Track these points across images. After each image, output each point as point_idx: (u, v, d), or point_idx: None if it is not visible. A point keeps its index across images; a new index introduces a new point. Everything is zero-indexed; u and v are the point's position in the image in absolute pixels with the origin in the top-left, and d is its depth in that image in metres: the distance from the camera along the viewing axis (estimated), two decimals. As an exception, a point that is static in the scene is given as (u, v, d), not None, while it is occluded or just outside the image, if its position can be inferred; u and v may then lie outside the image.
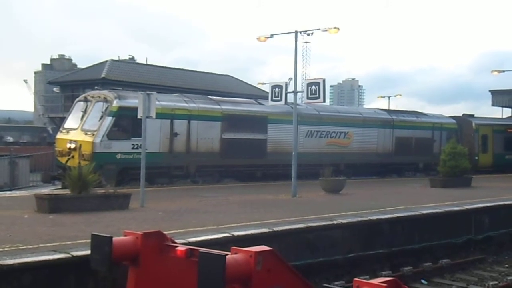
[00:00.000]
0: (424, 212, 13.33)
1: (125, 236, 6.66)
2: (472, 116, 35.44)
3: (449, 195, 17.16)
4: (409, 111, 31.64)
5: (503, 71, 28.55)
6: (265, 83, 34.97)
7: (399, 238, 12.37)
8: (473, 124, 32.69)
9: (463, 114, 35.88)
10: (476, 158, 31.48)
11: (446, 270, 11.83)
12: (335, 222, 11.37)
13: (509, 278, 11.04)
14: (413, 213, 13.08)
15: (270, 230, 10.16)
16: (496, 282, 10.60)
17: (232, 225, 10.46)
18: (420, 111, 32.60)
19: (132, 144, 19.03)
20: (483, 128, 33.14)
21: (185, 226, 10.15)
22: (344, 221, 11.54)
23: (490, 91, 40.54)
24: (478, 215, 14.45)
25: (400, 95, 59.61)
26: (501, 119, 41.08)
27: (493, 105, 40.70)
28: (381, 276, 9.76)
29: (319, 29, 18.36)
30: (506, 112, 44.47)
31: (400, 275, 10.53)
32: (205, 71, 46.86)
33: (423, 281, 11.14)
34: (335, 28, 18.32)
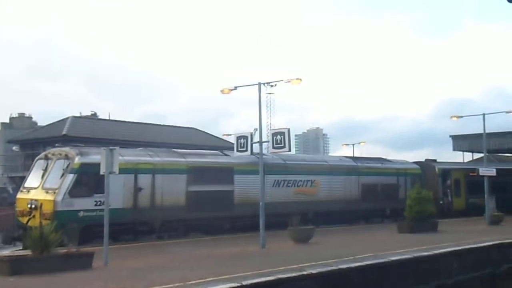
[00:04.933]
0: (394, 258, 13.28)
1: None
2: (434, 161, 36.08)
3: (417, 240, 17.20)
4: (374, 158, 32.05)
5: (461, 117, 29.29)
6: (230, 134, 35.12)
7: (370, 286, 12.22)
8: (436, 169, 33.23)
9: (426, 159, 36.50)
10: (441, 202, 31.85)
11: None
12: (305, 273, 11.20)
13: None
14: (382, 260, 13.00)
15: (239, 284, 9.92)
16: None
17: (200, 280, 10.18)
18: (385, 157, 33.05)
19: (95, 201, 18.60)
20: (455, 173, 33.70)
21: (150, 285, 9.83)
22: (314, 271, 11.38)
23: (451, 136, 41.48)
24: (447, 260, 14.46)
25: (364, 142, 60.41)
26: (462, 163, 41.94)
27: (454, 149, 41.54)
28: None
29: (282, 80, 18.59)
30: (467, 157, 45.50)
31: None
32: (171, 124, 46.83)
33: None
34: (297, 79, 18.56)
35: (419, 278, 13.34)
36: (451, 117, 29.38)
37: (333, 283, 11.50)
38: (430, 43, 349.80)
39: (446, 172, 33.62)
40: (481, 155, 31.78)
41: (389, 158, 32.99)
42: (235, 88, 18.97)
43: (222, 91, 19.44)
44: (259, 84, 17.87)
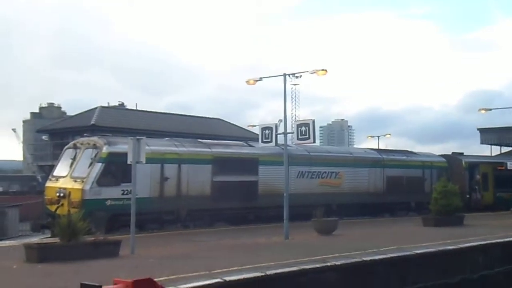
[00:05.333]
0: (418, 252, 13.23)
1: (115, 284, 6.54)
2: (461, 154, 35.65)
3: (442, 234, 17.08)
4: (399, 150, 31.78)
5: (490, 109, 28.93)
6: (255, 125, 35.14)
7: (394, 279, 12.22)
8: (463, 162, 32.84)
9: (453, 153, 36.08)
10: (468, 196, 31.48)
11: (442, 311, 11.68)
12: (328, 264, 11.24)
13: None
14: (406, 253, 12.97)
15: (263, 274, 10.01)
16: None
17: (224, 270, 10.30)
18: (410, 150, 32.76)
19: (122, 190, 18.87)
20: (483, 167, 33.22)
21: (176, 273, 9.98)
22: (337, 262, 11.41)
23: (478, 129, 40.96)
24: (472, 254, 14.35)
25: (390, 134, 59.95)
26: (490, 156, 41.35)
27: (481, 143, 41.06)
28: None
29: (307, 71, 18.57)
30: (495, 150, 44.84)
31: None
32: (197, 115, 47.17)
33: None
34: (323, 70, 18.52)
35: (443, 272, 13.27)
36: (479, 109, 29.05)
37: (357, 275, 11.52)
38: (458, 35, 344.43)
39: (473, 166, 33.17)
40: (510, 148, 31.37)
41: (414, 150, 32.70)
42: (260, 79, 19.02)
43: (247, 82, 19.50)
44: (284, 75, 17.88)
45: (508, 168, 26.83)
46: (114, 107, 51.79)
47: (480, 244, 14.87)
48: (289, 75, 18.21)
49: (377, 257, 12.24)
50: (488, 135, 39.32)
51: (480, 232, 17.55)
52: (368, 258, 12.06)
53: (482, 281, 13.98)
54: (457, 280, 13.43)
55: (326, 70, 18.59)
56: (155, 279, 6.73)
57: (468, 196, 31.46)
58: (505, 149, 43.11)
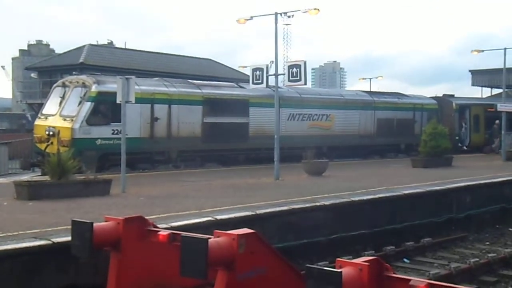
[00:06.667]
0: (406, 192, 13.42)
1: (106, 221, 6.58)
2: (452, 96, 35.69)
3: (430, 175, 17.29)
4: (390, 93, 31.72)
5: (483, 51, 28.65)
6: (246, 67, 34.72)
7: (382, 219, 12.43)
8: (453, 104, 32.91)
9: (444, 95, 36.11)
10: (457, 138, 31.73)
11: (428, 249, 11.95)
12: (318, 204, 11.39)
13: (490, 255, 11.17)
14: (395, 194, 13.15)
15: (253, 213, 10.14)
16: (477, 259, 10.70)
17: (215, 209, 10.41)
18: (402, 92, 32.72)
19: (112, 130, 18.80)
20: (473, 109, 33.27)
21: (167, 211, 10.08)
22: (327, 203, 11.56)
23: (470, 71, 40.84)
24: (459, 194, 14.58)
25: (382, 77, 59.98)
26: (481, 98, 41.44)
27: (472, 85, 41.05)
28: (364, 256, 9.81)
29: (299, 10, 18.22)
30: (486, 92, 44.90)
31: (383, 254, 10.59)
32: (188, 55, 46.57)
33: (405, 259, 11.23)
34: (315, 9, 18.16)
35: (430, 212, 13.51)
36: (472, 51, 28.77)
37: (346, 215, 11.70)
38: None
39: (464, 107, 33.27)
40: (500, 90, 31.35)
41: (406, 93, 32.66)
42: (251, 18, 18.64)
43: (238, 21, 19.13)
44: (276, 14, 17.53)
45: (498, 109, 26.85)
46: (103, 46, 50.95)
47: (467, 185, 15.08)
48: (280, 14, 17.84)
49: (365, 197, 12.41)
50: (480, 77, 39.28)
51: (468, 173, 17.78)
52: (357, 198, 12.23)
53: (468, 220, 14.26)
54: (443, 219, 13.70)
55: (318, 10, 18.24)
56: (146, 217, 6.78)
57: (457, 137, 31.72)
58: (496, 91, 43.18)
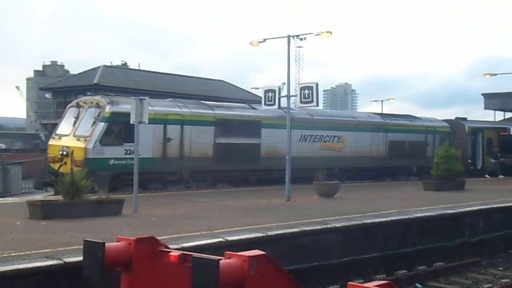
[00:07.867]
0: (418, 215, 13.32)
1: (118, 242, 6.60)
2: (465, 119, 35.54)
3: (443, 198, 17.17)
4: (402, 115, 31.69)
5: (495, 74, 28.67)
6: (258, 88, 34.93)
7: (393, 242, 12.35)
8: (466, 127, 32.77)
9: (456, 118, 35.97)
10: (470, 161, 31.52)
11: (440, 273, 11.83)
12: (329, 226, 11.35)
13: (503, 281, 11.04)
14: (407, 217, 13.06)
15: (264, 234, 10.12)
16: (491, 285, 10.58)
17: (226, 230, 10.40)
18: (414, 115, 32.66)
19: (125, 150, 18.94)
20: (486, 132, 33.08)
21: (178, 232, 10.09)
22: (338, 225, 11.51)
23: (482, 94, 40.72)
24: (472, 218, 14.46)
25: (394, 98, 59.63)
26: (494, 122, 41.23)
27: (485, 108, 40.88)
28: (376, 279, 9.74)
29: (311, 33, 18.38)
30: (499, 116, 44.67)
31: (395, 278, 10.50)
32: (200, 76, 46.92)
33: (417, 284, 11.11)
34: (327, 32, 18.33)
35: (443, 236, 13.40)
36: (484, 74, 28.85)
37: (357, 237, 11.64)
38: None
39: (476, 131, 33.11)
40: (513, 114, 31.25)
41: (418, 115, 32.59)
42: (264, 40, 18.82)
43: (251, 43, 19.32)
44: (288, 36, 17.69)
45: (511, 133, 26.72)
46: (117, 67, 51.52)
47: (480, 209, 14.96)
48: (293, 36, 18.03)
49: (377, 220, 12.34)
50: (492, 100, 39.12)
51: (480, 197, 17.63)
52: (369, 221, 12.16)
53: (481, 245, 14.12)
54: (456, 243, 13.57)
55: (330, 33, 18.40)
56: (158, 238, 6.80)
57: (470, 161, 31.51)
58: (509, 115, 42.97)
